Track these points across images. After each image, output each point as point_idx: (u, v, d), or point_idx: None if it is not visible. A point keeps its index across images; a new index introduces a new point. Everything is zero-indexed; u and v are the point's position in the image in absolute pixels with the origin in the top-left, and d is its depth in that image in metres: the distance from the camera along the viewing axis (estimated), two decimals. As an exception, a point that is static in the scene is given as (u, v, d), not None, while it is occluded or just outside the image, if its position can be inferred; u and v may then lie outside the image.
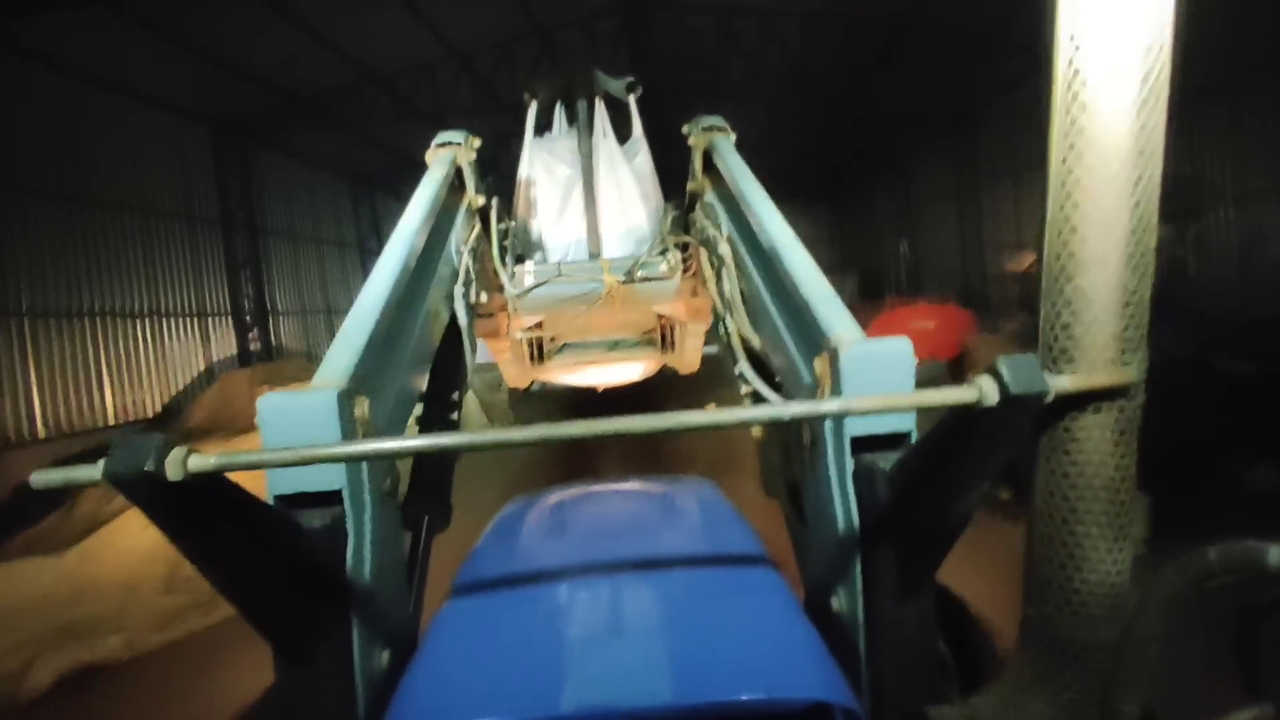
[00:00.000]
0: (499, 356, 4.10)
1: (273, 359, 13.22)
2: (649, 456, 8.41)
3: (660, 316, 4.19)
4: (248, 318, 13.27)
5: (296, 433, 1.22)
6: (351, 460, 1.25)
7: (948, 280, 16.62)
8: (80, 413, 9.51)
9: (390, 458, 1.20)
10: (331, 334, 14.72)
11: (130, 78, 10.20)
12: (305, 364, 11.65)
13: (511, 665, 1.11)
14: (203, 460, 0.87)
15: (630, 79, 4.41)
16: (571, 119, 4.43)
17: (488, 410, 10.02)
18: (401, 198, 2.22)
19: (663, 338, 4.45)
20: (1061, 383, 0.94)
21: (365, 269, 17.14)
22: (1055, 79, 0.95)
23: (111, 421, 10.00)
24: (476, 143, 2.78)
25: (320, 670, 1.21)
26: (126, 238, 10.67)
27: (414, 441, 1.02)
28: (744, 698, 0.98)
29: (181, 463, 0.86)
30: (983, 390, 0.94)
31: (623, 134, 4.45)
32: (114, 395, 10.11)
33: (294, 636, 1.17)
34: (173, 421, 9.61)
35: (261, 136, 13.54)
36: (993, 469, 1.07)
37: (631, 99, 4.42)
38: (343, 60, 11.52)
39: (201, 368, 11.95)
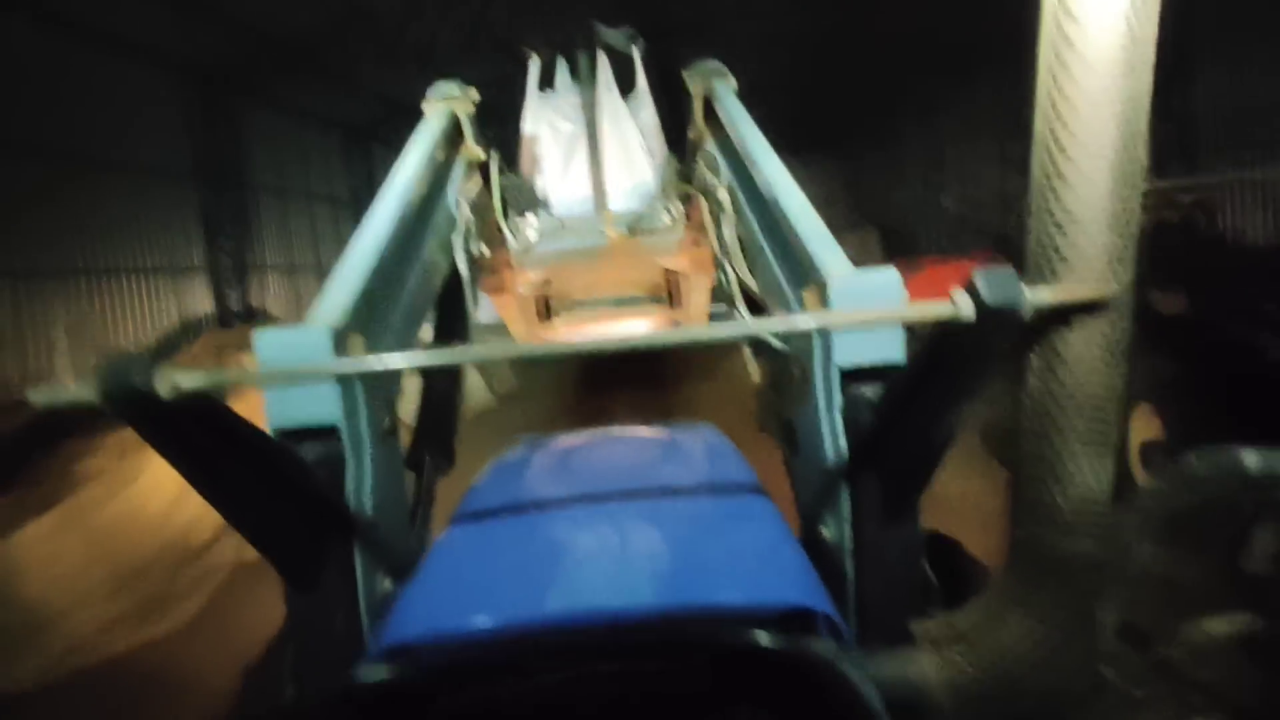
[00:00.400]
0: (505, 313, 4.14)
1: (255, 320, 12.08)
2: (656, 410, 8.46)
3: (666, 271, 4.20)
4: (230, 275, 12.16)
5: (290, 365, 1.27)
6: (338, 376, 1.29)
7: (988, 236, 14.73)
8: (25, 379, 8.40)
9: (376, 375, 1.25)
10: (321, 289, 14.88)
11: (98, 20, 9.09)
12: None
13: (504, 579, 1.16)
14: (193, 378, 0.89)
15: (630, 30, 4.34)
16: (574, 73, 4.38)
17: (488, 375, 10.12)
18: (397, 150, 2.21)
19: (670, 295, 4.46)
20: (1041, 295, 0.95)
21: (358, 225, 17.13)
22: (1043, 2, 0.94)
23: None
24: (474, 94, 2.77)
25: (325, 594, 1.27)
26: (92, 193, 9.54)
27: (396, 358, 1.05)
28: (722, 600, 1.02)
29: (172, 381, 0.88)
30: (959, 305, 0.95)
31: (626, 87, 4.40)
32: (68, 359, 8.89)
33: (298, 561, 1.23)
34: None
35: (243, 86, 12.44)
36: (971, 389, 1.09)
37: (635, 50, 4.35)
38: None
39: (176, 328, 10.82)
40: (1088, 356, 1.01)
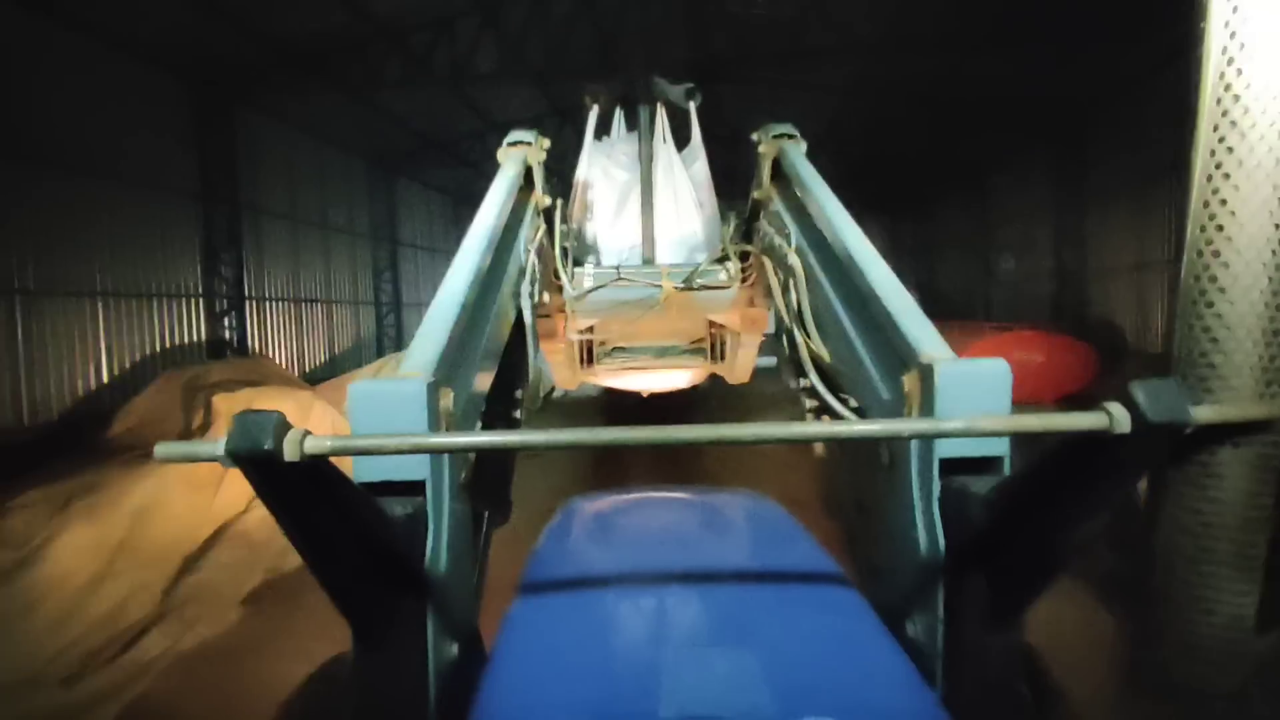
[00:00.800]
0: (552, 358, 4.13)
1: (247, 351, 11.46)
2: (685, 466, 8.30)
3: (712, 325, 4.17)
4: (224, 302, 11.17)
5: (385, 421, 1.24)
6: (455, 450, 1.27)
7: (1033, 307, 14.27)
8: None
9: (489, 451, 1.22)
10: (330, 325, 14.24)
11: (89, 15, 8.30)
12: (258, 365, 9.67)
13: (591, 673, 1.10)
14: (318, 442, 0.89)
15: (690, 85, 4.41)
16: (631, 124, 4.45)
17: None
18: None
19: (712, 347, 4.43)
20: (1204, 413, 0.89)
21: (377, 261, 16.23)
22: (1202, 101, 0.90)
23: (25, 421, 7.67)
24: (546, 143, 2.81)
25: (396, 655, 1.22)
26: (78, 205, 8.63)
27: (512, 437, 1.02)
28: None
29: (299, 443, 0.87)
30: (1114, 417, 0.89)
31: (680, 139, 4.46)
32: (34, 387, 8.04)
33: (373, 619, 1.18)
34: (95, 426, 7.27)
35: (252, 97, 11.40)
36: (1113, 501, 1.02)
37: (692, 106, 4.41)
38: (345, 5, 9.66)
39: (157, 354, 9.88)
40: (1239, 476, 0.94)
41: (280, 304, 12.87)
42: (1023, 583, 1.17)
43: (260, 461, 0.88)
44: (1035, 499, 1.07)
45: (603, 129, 4.55)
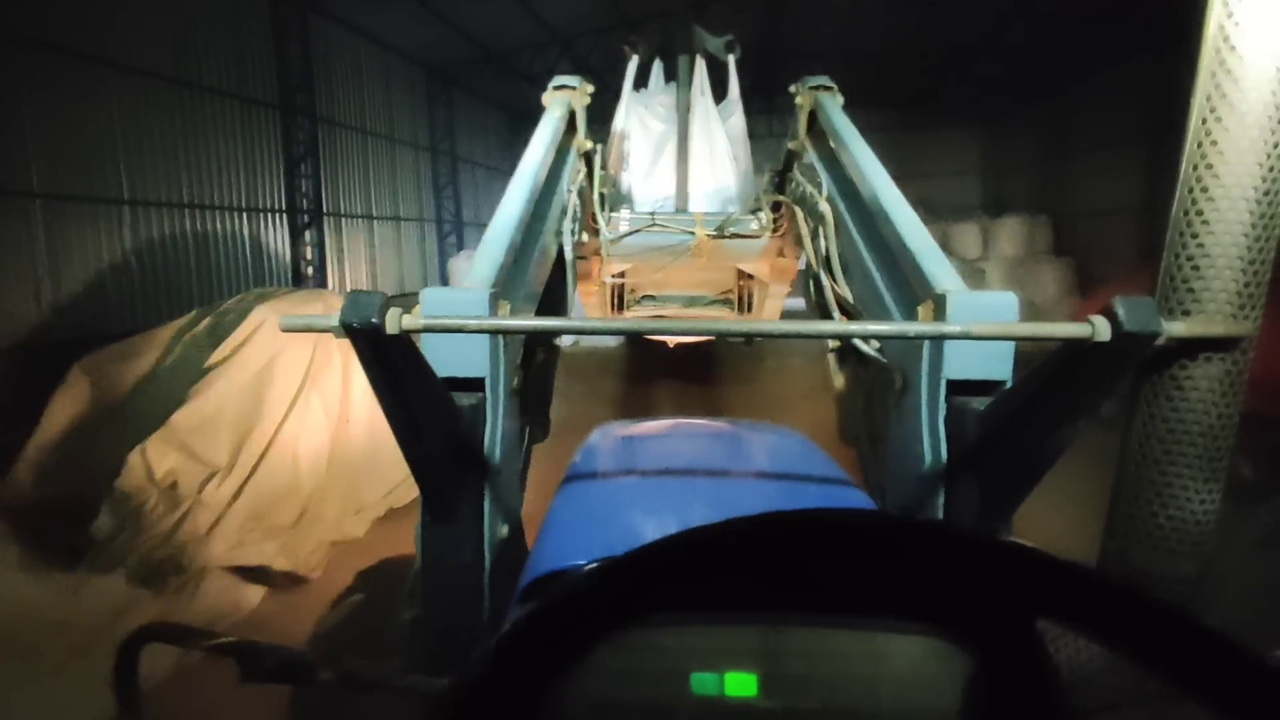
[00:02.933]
0: (585, 300, 4.28)
1: (325, 271, 11.20)
2: (714, 407, 8.61)
3: (741, 277, 4.28)
4: (304, 217, 11.12)
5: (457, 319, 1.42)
6: (522, 331, 1.46)
7: (1116, 256, 12.93)
8: (98, 315, 7.74)
9: (512, 338, 1.43)
10: (399, 244, 14.40)
11: None
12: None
13: (630, 526, 1.28)
14: (413, 319, 1.07)
15: (730, 37, 4.44)
16: (670, 75, 4.50)
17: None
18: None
19: (740, 299, 4.54)
20: (1176, 327, 1.02)
21: (438, 177, 16.10)
22: (1205, 47, 1.01)
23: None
24: (590, 88, 2.91)
25: (459, 527, 1.41)
26: (165, 114, 8.70)
27: (566, 322, 1.19)
28: None
29: (398, 319, 1.05)
30: (1096, 326, 1.02)
31: (718, 94, 4.50)
32: (142, 298, 8.43)
33: (443, 493, 1.37)
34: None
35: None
36: (1092, 408, 1.16)
37: (730, 59, 4.45)
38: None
39: (250, 272, 10.20)
40: (1208, 389, 1.08)
41: (354, 220, 12.77)
42: (1012, 485, 1.32)
43: (367, 332, 1.05)
44: (1025, 408, 1.22)
45: (641, 80, 4.61)
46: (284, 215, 10.90)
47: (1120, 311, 1.01)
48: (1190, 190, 1.04)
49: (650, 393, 10.01)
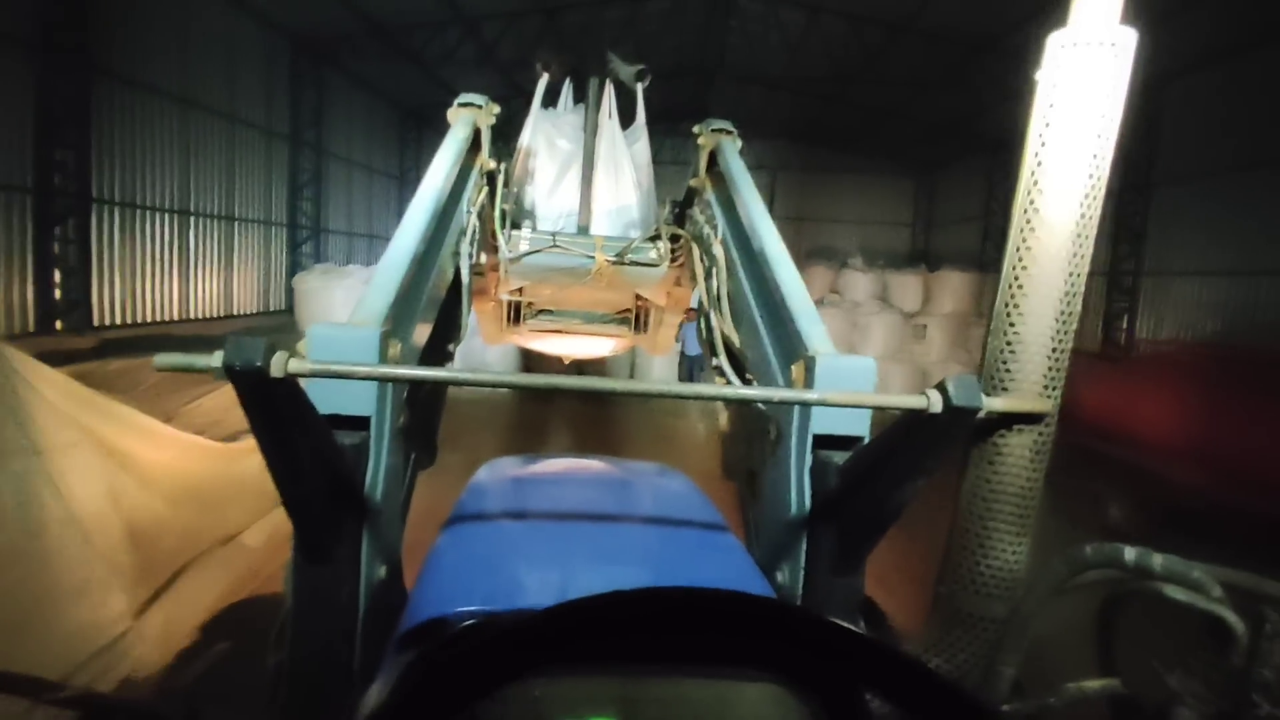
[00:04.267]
0: (481, 315, 4.24)
1: (86, 279, 9.98)
2: (606, 446, 8.67)
3: (638, 298, 4.38)
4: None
5: (341, 360, 1.40)
6: (410, 381, 1.46)
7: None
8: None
9: (433, 385, 1.42)
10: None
11: None
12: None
13: (510, 572, 1.32)
14: (299, 364, 1.06)
15: (641, 67, 4.55)
16: (579, 96, 4.55)
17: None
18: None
19: (636, 319, 4.63)
20: (994, 403, 1.19)
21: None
22: (1022, 169, 1.19)
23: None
24: (496, 108, 2.92)
25: (335, 569, 1.39)
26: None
27: (456, 374, 1.22)
28: None
29: (284, 363, 1.04)
30: (930, 399, 1.17)
31: (626, 119, 4.59)
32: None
33: (319, 533, 1.35)
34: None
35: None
36: (929, 469, 1.32)
37: (639, 87, 4.56)
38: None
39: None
40: (1020, 455, 1.26)
41: (150, 214, 9.98)
42: (862, 536, 1.46)
43: (249, 375, 1.03)
44: (874, 467, 1.36)
45: (550, 99, 4.63)
46: (29, 197, 7.70)
47: (950, 387, 1.17)
48: (1009, 287, 1.22)
49: (546, 417, 9.97)
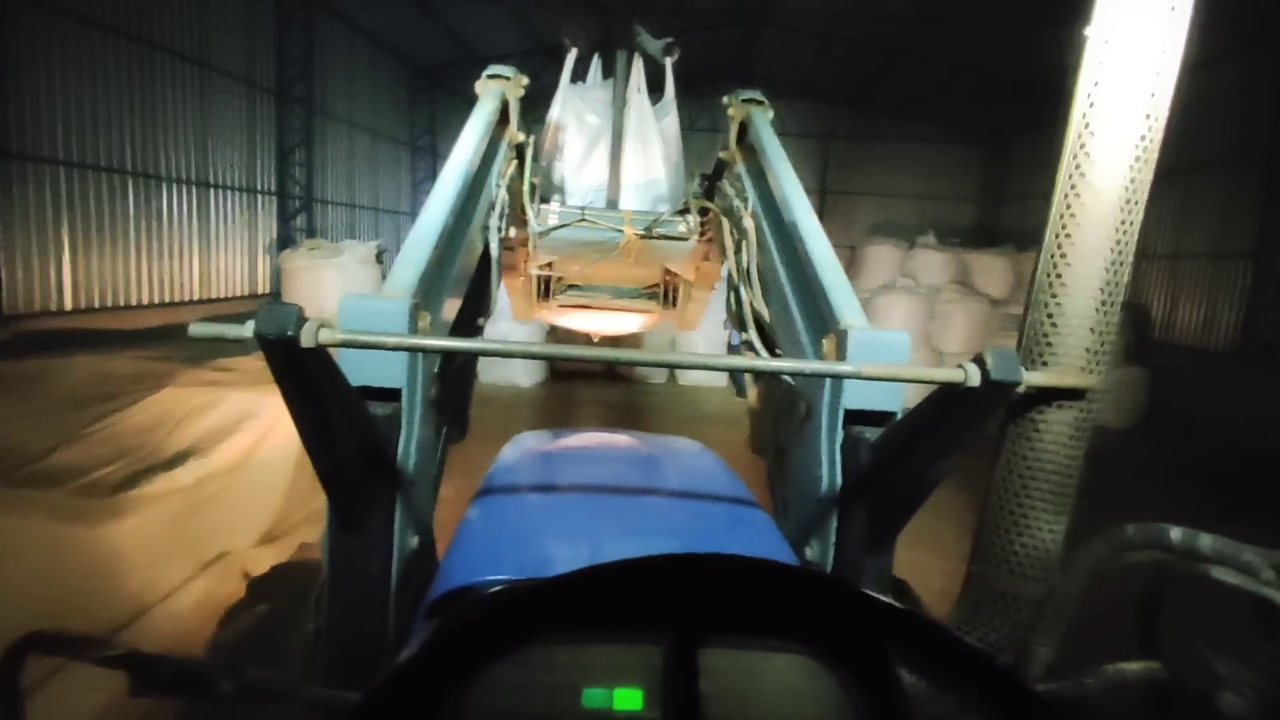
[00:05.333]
0: (511, 290, 4.26)
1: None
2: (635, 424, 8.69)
3: (667, 273, 4.35)
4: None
5: (371, 332, 1.41)
6: (440, 351, 1.47)
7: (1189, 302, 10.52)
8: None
9: (464, 356, 1.42)
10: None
11: None
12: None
13: (539, 543, 1.33)
14: (330, 334, 1.07)
15: (669, 40, 4.48)
16: (608, 71, 4.51)
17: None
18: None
19: (665, 294, 4.61)
20: (1035, 377, 1.15)
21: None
22: (1069, 131, 1.12)
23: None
24: (524, 80, 2.89)
25: (369, 537, 1.41)
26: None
27: (484, 344, 1.22)
28: None
29: (314, 332, 1.04)
30: (968, 373, 1.13)
31: (655, 94, 4.54)
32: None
33: (353, 503, 1.37)
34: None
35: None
36: (964, 444, 1.28)
37: (668, 61, 4.49)
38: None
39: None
40: (1060, 432, 1.21)
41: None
42: (894, 513, 1.43)
43: (281, 344, 1.04)
44: (908, 443, 1.33)
45: (579, 73, 4.59)
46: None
47: (989, 361, 1.13)
48: (1052, 256, 1.17)
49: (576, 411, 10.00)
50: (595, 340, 5.59)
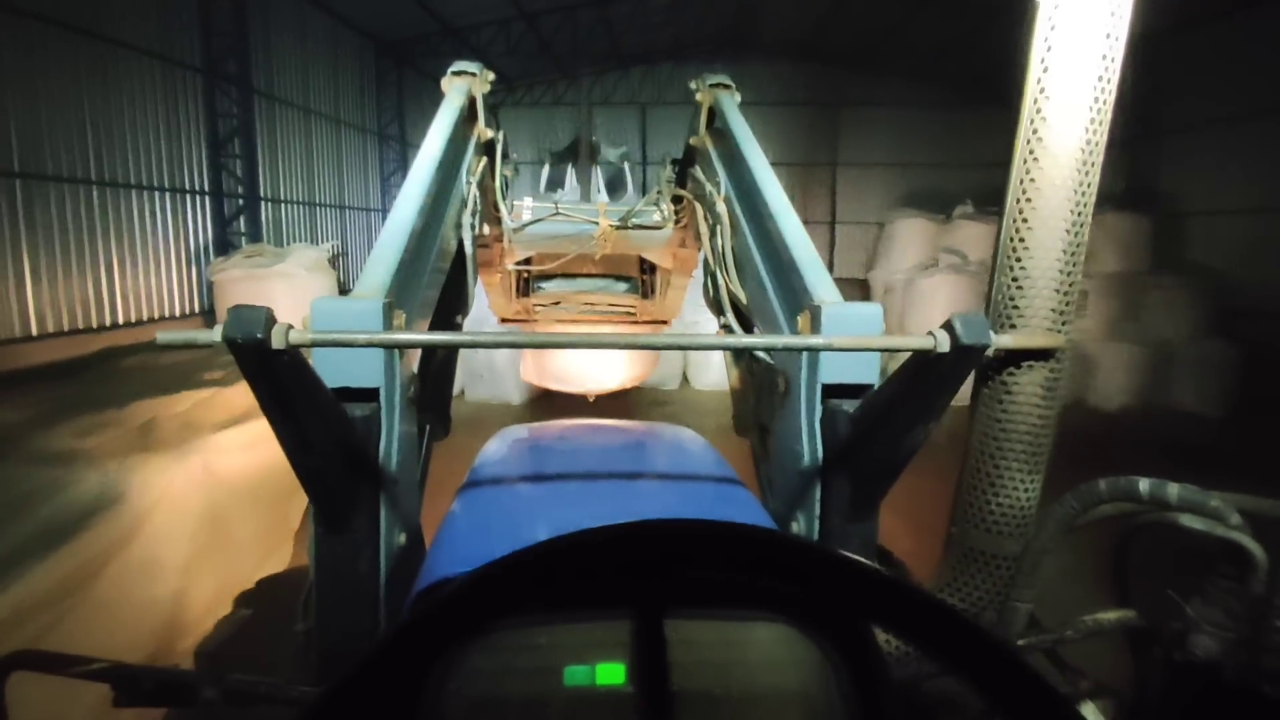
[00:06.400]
0: (488, 287, 4.25)
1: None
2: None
3: (645, 261, 4.35)
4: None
5: (344, 332, 1.41)
6: (415, 346, 1.45)
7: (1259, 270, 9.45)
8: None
9: (448, 346, 1.41)
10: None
11: None
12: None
13: (524, 532, 1.34)
14: (300, 334, 1.06)
15: (624, 150, 4.49)
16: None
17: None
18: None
19: (643, 284, 4.63)
20: (1004, 340, 1.17)
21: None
22: (1025, 98, 1.15)
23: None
24: (490, 75, 2.87)
25: (354, 537, 1.42)
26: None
27: (461, 336, 1.22)
28: None
29: (284, 334, 1.04)
30: (937, 339, 1.16)
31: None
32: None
33: (336, 504, 1.37)
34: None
35: None
36: (939, 410, 1.31)
37: (626, 165, 4.49)
38: None
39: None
40: (1031, 393, 1.24)
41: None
42: (875, 481, 1.46)
43: (251, 348, 1.04)
44: (884, 413, 1.35)
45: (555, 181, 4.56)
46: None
47: (958, 325, 1.15)
48: (1014, 221, 1.19)
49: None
50: (590, 400, 5.56)
